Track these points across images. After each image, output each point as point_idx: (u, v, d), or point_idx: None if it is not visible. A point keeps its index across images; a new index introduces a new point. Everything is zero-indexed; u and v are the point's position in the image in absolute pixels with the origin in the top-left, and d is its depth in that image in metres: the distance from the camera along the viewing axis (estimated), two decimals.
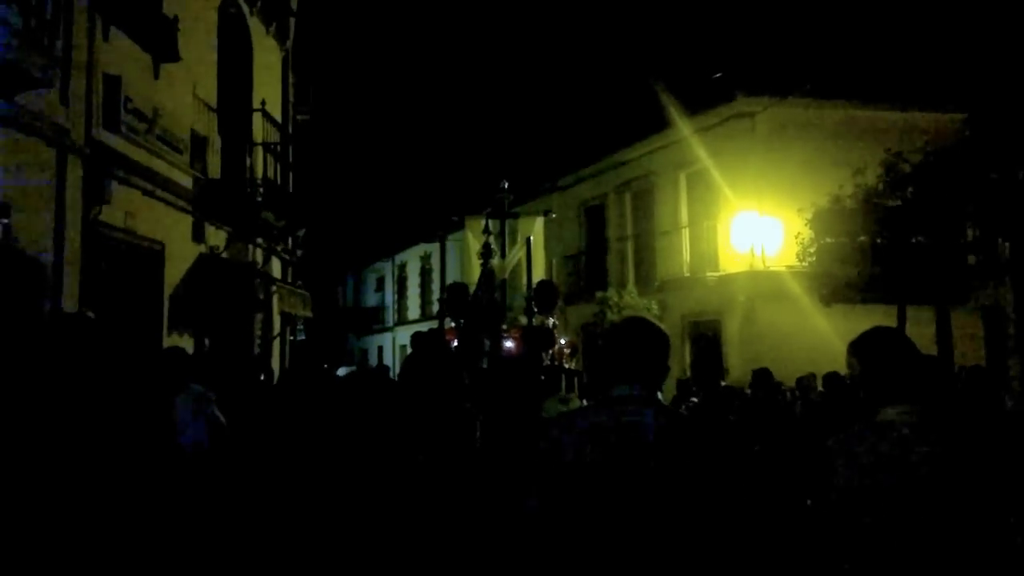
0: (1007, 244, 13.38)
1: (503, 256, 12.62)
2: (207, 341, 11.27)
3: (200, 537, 5.26)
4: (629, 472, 2.44)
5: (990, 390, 7.51)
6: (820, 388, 9.59)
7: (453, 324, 12.41)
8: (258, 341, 13.55)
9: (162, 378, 6.16)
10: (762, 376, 8.90)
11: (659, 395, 2.71)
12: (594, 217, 23.51)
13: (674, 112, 19.02)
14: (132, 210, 9.53)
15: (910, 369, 2.68)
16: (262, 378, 12.23)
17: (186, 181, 10.99)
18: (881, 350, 2.72)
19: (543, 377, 10.26)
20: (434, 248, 31.84)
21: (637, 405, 2.54)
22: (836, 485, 2.55)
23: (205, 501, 5.53)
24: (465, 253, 13.49)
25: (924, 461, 2.45)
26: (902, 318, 12.80)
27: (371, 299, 40.39)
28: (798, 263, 14.79)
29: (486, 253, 12.27)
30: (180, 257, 10.89)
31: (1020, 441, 5.77)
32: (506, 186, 12.76)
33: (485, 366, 10.12)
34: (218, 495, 5.72)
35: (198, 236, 11.44)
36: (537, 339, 11.73)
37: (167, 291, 10.51)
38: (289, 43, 15.90)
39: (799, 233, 14.28)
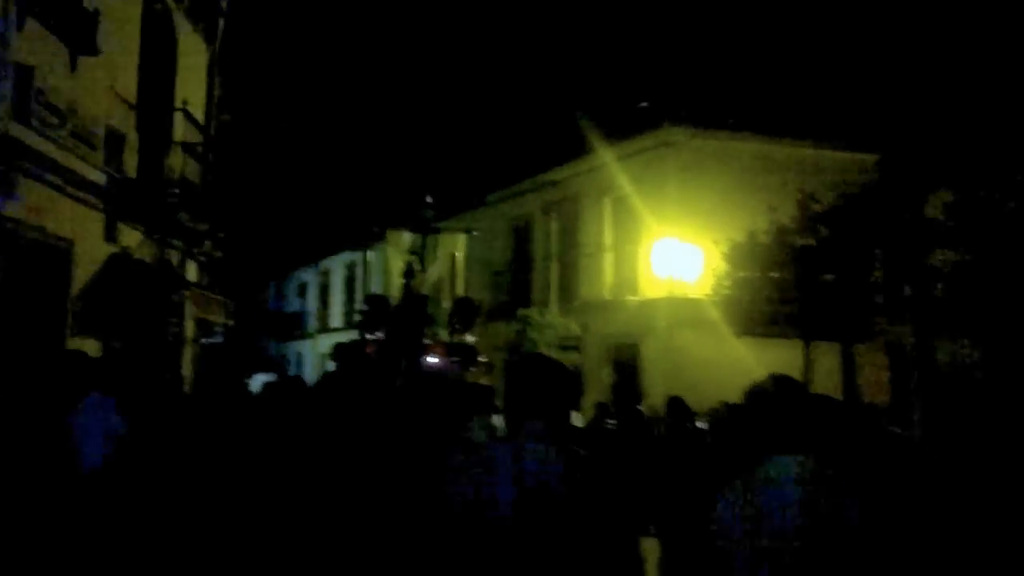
0: (911, 285, 13.96)
1: (424, 271, 12.61)
2: (115, 345, 10.91)
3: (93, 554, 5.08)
4: (523, 509, 2.48)
5: (884, 428, 7.82)
6: None
7: (372, 337, 12.33)
8: (168, 346, 13.17)
9: (61, 384, 5.94)
10: (675, 404, 9.04)
11: (576, 416, 2.77)
12: (521, 235, 23.63)
13: (600, 137, 19.31)
14: (40, 206, 9.18)
15: (803, 420, 2.74)
16: (169, 383, 11.92)
17: (100, 178, 10.64)
18: (766, 402, 2.77)
19: (469, 395, 10.26)
20: (359, 257, 31.63)
21: (539, 443, 2.58)
22: (721, 537, 2.60)
23: (100, 518, 5.35)
24: (384, 266, 13.42)
25: (805, 518, 2.49)
26: (808, 353, 13.23)
27: (293, 305, 39.71)
28: (713, 293, 15.14)
29: (409, 273, 12.23)
30: (90, 257, 10.53)
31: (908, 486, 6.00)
32: (430, 200, 12.76)
33: (399, 384, 10.05)
34: (114, 511, 5.54)
35: (110, 236, 11.08)
36: (462, 356, 11.75)
37: (74, 291, 10.15)
38: (217, 43, 15.58)
39: (716, 266, 14.65)
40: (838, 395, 11.47)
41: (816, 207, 13.51)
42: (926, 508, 5.85)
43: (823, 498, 2.55)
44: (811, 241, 13.50)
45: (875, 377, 16.06)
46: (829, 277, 13.39)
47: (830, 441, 4.56)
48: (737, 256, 14.09)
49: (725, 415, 10.19)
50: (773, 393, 2.77)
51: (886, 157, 14.70)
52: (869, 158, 17.12)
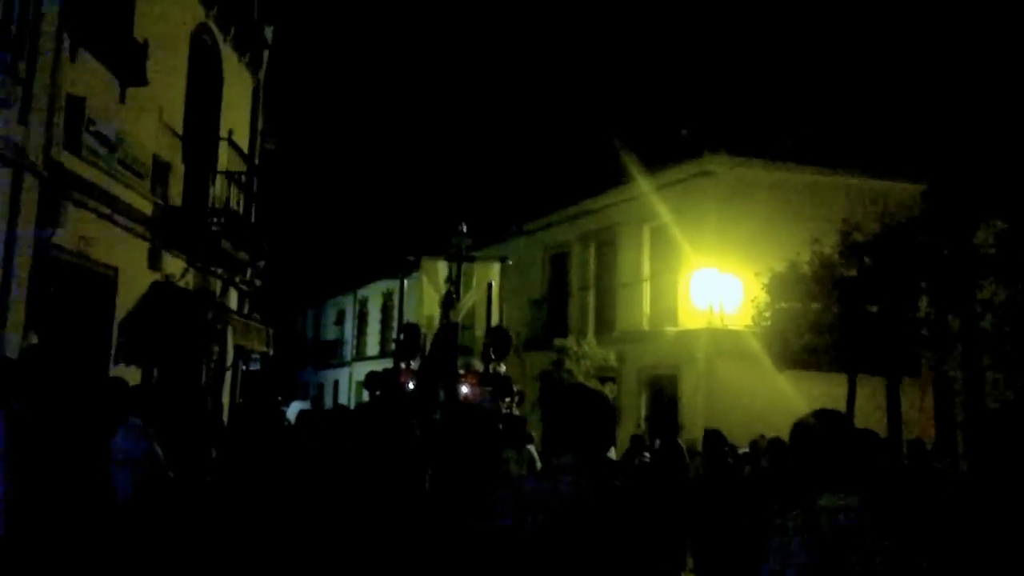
0: (958, 318, 13.65)
1: (458, 300, 12.58)
2: (156, 371, 11.03)
3: None
4: (560, 541, 2.46)
5: (930, 464, 7.63)
6: None
7: (408, 366, 12.31)
8: (208, 373, 13.29)
9: (103, 410, 6.01)
10: (713, 437, 8.89)
11: (611, 452, 2.75)
12: (558, 264, 23.60)
13: (640, 166, 19.26)
14: (87, 234, 9.36)
15: (851, 457, 2.67)
16: (209, 410, 12.01)
17: (146, 207, 10.84)
18: (821, 436, 2.70)
19: (502, 426, 10.20)
20: (396, 285, 31.78)
21: (575, 475, 2.56)
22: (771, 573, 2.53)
23: (135, 544, 5.38)
24: (418, 295, 13.42)
25: (859, 554, 2.43)
26: (852, 388, 12.96)
27: (330, 332, 40.00)
28: (754, 325, 14.94)
29: (447, 302, 12.18)
30: (134, 284, 10.70)
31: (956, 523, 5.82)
32: (464, 229, 12.74)
33: (438, 416, 10.01)
34: (150, 537, 5.56)
35: (154, 263, 11.25)
36: (496, 387, 11.67)
37: (118, 318, 10.30)
38: (262, 73, 15.88)
39: (756, 296, 14.46)
40: (882, 430, 11.22)
41: (859, 237, 13.27)
42: (972, 543, 5.67)
43: (874, 536, 2.48)
44: (854, 272, 13.25)
45: (920, 412, 15.70)
46: (873, 309, 13.12)
47: (877, 478, 4.46)
48: (778, 287, 13.89)
49: (765, 448, 10.03)
50: (820, 429, 2.70)
51: (933, 185, 14.44)
52: (913, 187, 16.84)
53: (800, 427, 2.76)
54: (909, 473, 6.88)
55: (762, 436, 10.52)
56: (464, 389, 11.49)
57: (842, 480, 2.59)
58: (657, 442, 12.81)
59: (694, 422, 16.16)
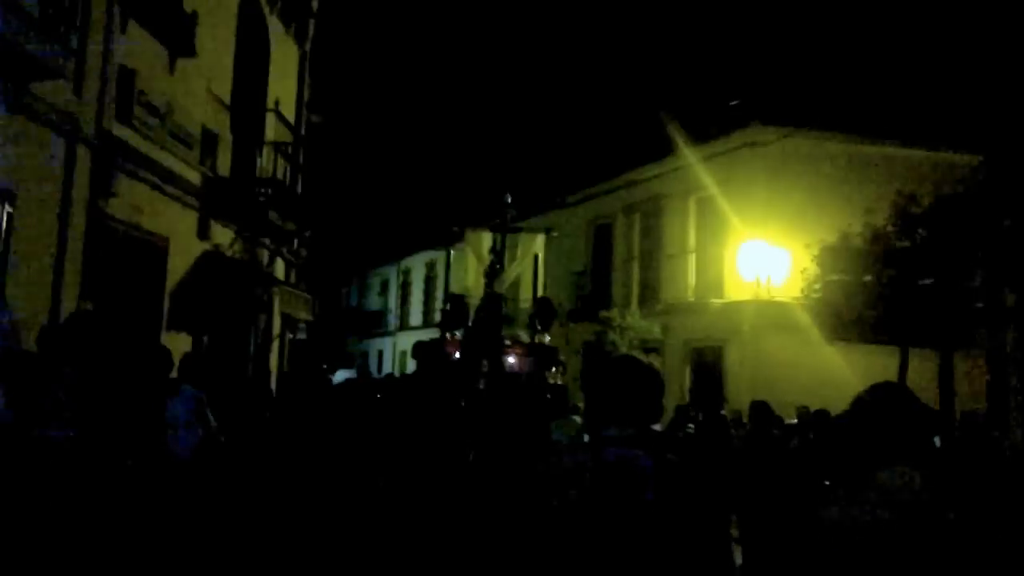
0: (1014, 292, 13.32)
1: (503, 271, 12.57)
2: (205, 339, 11.21)
3: (191, 541, 5.22)
4: (615, 514, 2.43)
5: (986, 435, 7.46)
6: None
7: (453, 336, 12.37)
8: (256, 342, 13.49)
9: (157, 378, 6.13)
10: (760, 409, 8.80)
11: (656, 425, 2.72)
12: (602, 236, 23.47)
13: (687, 137, 19.01)
14: (138, 203, 9.50)
15: (911, 431, 2.60)
16: (258, 378, 12.19)
17: (194, 177, 10.96)
18: (883, 409, 2.63)
19: (549, 396, 10.21)
20: (440, 256, 31.93)
21: (626, 446, 2.53)
22: (823, 549, 2.48)
23: (196, 506, 5.50)
24: (463, 265, 13.44)
25: (929, 530, 2.37)
26: (905, 359, 12.73)
27: (374, 303, 40.35)
28: (803, 296, 14.73)
29: (491, 273, 12.18)
30: (184, 253, 10.85)
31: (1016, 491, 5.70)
32: (509, 200, 12.71)
33: (482, 387, 10.04)
34: (208, 500, 5.69)
35: (203, 233, 11.40)
36: (542, 358, 11.68)
37: (169, 287, 10.47)
38: (308, 44, 15.90)
39: (805, 268, 14.24)
40: (933, 404, 11.02)
41: (915, 208, 12.97)
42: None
43: (937, 510, 2.41)
44: (908, 244, 12.96)
45: (973, 385, 15.39)
46: (927, 281, 12.84)
47: (934, 453, 4.37)
48: (828, 259, 13.66)
49: (812, 420, 9.91)
50: (884, 402, 2.62)
51: (991, 157, 14.03)
52: (969, 159, 16.39)
53: (862, 400, 2.69)
54: (965, 447, 6.73)
55: (805, 408, 10.40)
56: (510, 359, 11.52)
57: (903, 455, 2.53)
58: (701, 415, 12.77)
59: (740, 394, 16.04)
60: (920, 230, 12.83)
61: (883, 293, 12.92)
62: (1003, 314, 13.92)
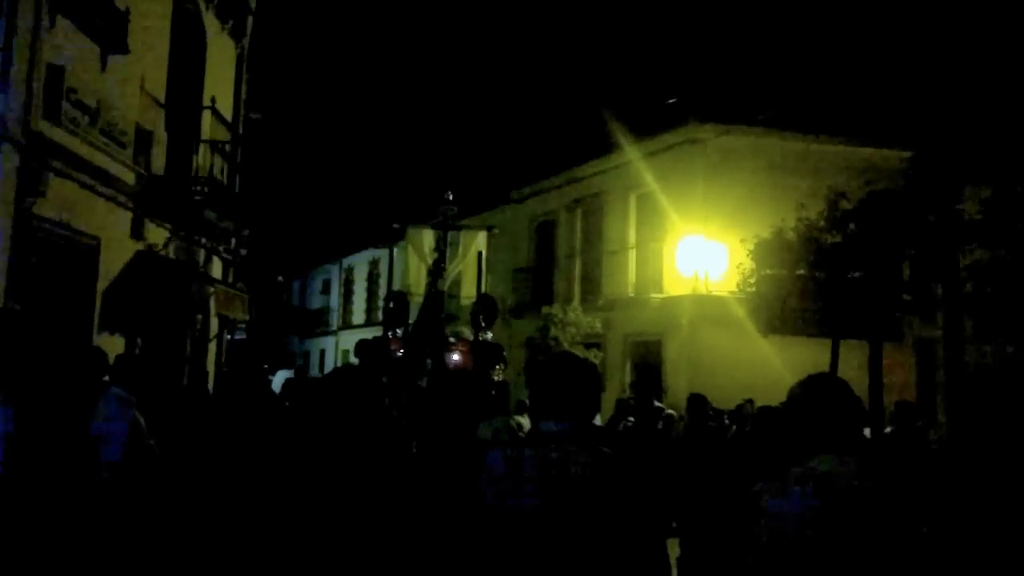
0: (940, 284, 13.78)
1: (445, 268, 12.61)
2: (139, 341, 11.01)
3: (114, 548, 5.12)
4: (551, 510, 2.47)
5: (916, 425, 7.73)
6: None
7: (396, 334, 12.35)
8: (193, 342, 13.28)
9: (84, 380, 5.98)
10: (696, 402, 8.96)
11: (597, 419, 2.75)
12: (545, 232, 23.60)
13: (627, 134, 19.22)
14: (68, 203, 9.28)
15: (845, 420, 2.68)
16: (193, 379, 11.99)
17: (128, 176, 10.75)
18: (818, 400, 2.72)
19: (493, 393, 10.26)
20: (383, 254, 31.72)
21: (562, 442, 2.57)
22: (761, 538, 2.55)
23: (121, 512, 5.40)
24: (405, 263, 13.42)
25: (857, 514, 2.45)
26: (836, 352, 13.09)
27: (316, 301, 39.95)
28: (739, 291, 15.02)
29: (435, 271, 12.20)
30: (117, 253, 10.64)
31: (946, 480, 5.92)
32: (451, 197, 12.73)
33: (424, 384, 10.05)
34: (134, 506, 5.58)
35: (137, 233, 11.18)
36: (486, 355, 11.72)
37: (101, 287, 10.25)
38: (245, 41, 15.68)
39: (741, 263, 14.53)
40: (864, 394, 11.35)
41: (845, 204, 13.33)
42: (955, 506, 5.78)
43: (872, 495, 2.51)
44: (839, 238, 13.32)
45: (902, 376, 15.87)
46: (857, 275, 13.21)
47: (865, 441, 4.52)
48: (763, 253, 13.95)
49: (752, 413, 10.13)
50: (817, 393, 2.72)
51: (919, 153, 14.49)
52: (899, 155, 16.89)
53: (795, 391, 2.78)
54: (897, 436, 6.97)
55: (748, 401, 10.62)
56: (455, 356, 11.54)
57: (836, 444, 2.61)
58: (636, 408, 12.94)
59: (678, 387, 16.29)
60: (850, 225, 13.19)
61: (815, 287, 13.26)
62: (931, 306, 14.39)
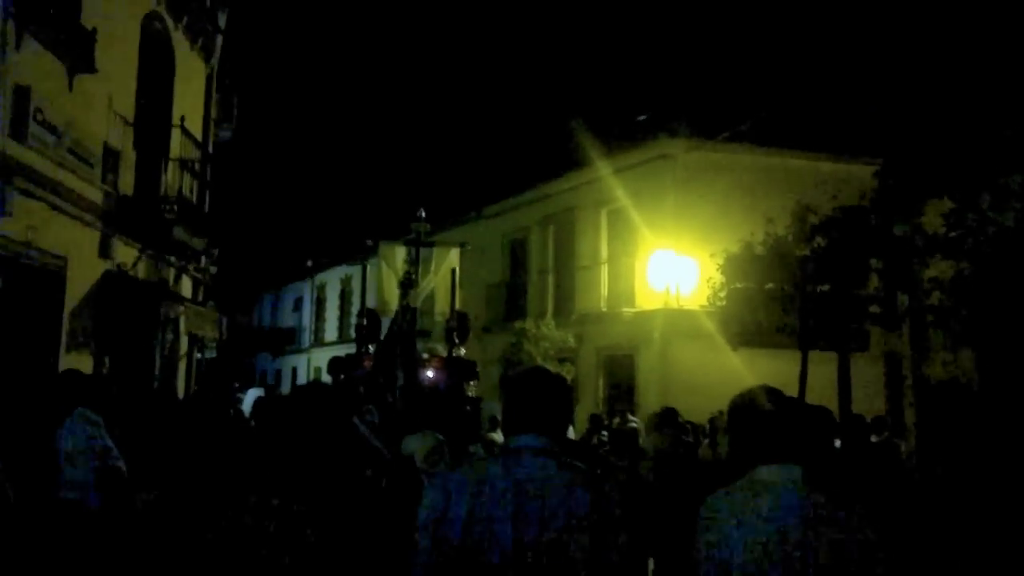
0: (906, 296, 13.99)
1: (417, 285, 12.64)
2: (107, 361, 10.90)
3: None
4: (522, 524, 2.47)
5: (868, 438, 7.81)
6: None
7: (368, 350, 12.34)
8: (162, 362, 13.16)
9: (51, 400, 5.92)
10: (668, 415, 9.01)
11: (571, 430, 2.75)
12: (517, 248, 23.66)
13: (597, 150, 19.35)
14: (34, 223, 9.20)
15: (785, 431, 2.70)
16: (162, 399, 11.87)
17: (96, 195, 10.68)
18: (750, 414, 2.74)
19: (468, 408, 10.26)
20: (355, 271, 31.62)
21: (534, 456, 2.57)
22: (702, 549, 2.58)
23: (90, 532, 5.34)
24: (377, 279, 13.43)
25: (804, 522, 2.48)
26: (804, 364, 13.24)
27: (288, 319, 39.68)
28: (709, 304, 15.15)
29: (406, 284, 12.23)
30: (84, 273, 10.54)
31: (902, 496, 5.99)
32: (423, 215, 12.77)
33: (393, 400, 10.04)
34: (103, 525, 5.52)
35: (105, 252, 11.10)
36: (460, 371, 11.74)
37: (68, 307, 10.15)
38: (214, 60, 15.64)
39: (711, 277, 14.66)
40: (834, 405, 11.48)
41: (813, 218, 13.53)
42: (916, 516, 5.85)
43: (813, 507, 2.53)
44: (807, 252, 13.51)
45: (871, 387, 16.05)
46: (825, 287, 13.39)
47: (819, 452, 4.55)
48: (733, 267, 14.09)
49: (723, 426, 10.21)
50: (756, 404, 2.74)
51: (884, 167, 14.71)
52: (867, 169, 17.10)
53: (735, 403, 2.81)
54: (846, 447, 7.02)
55: (721, 413, 10.71)
56: (429, 373, 11.55)
57: (780, 453, 2.63)
58: (616, 420, 13.01)
59: (651, 401, 16.36)
60: (818, 238, 13.38)
61: (783, 300, 13.41)
62: (897, 318, 14.59)
